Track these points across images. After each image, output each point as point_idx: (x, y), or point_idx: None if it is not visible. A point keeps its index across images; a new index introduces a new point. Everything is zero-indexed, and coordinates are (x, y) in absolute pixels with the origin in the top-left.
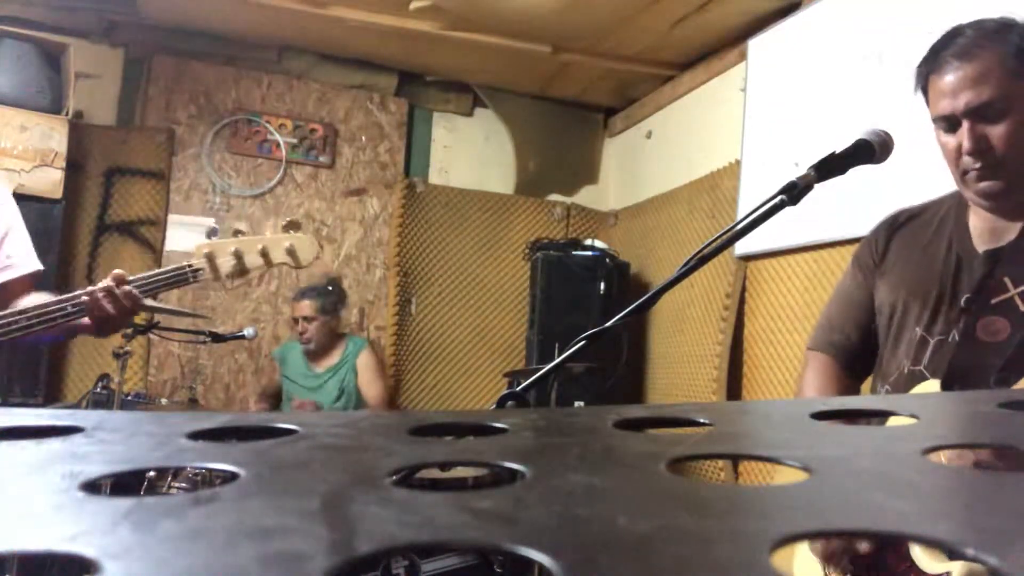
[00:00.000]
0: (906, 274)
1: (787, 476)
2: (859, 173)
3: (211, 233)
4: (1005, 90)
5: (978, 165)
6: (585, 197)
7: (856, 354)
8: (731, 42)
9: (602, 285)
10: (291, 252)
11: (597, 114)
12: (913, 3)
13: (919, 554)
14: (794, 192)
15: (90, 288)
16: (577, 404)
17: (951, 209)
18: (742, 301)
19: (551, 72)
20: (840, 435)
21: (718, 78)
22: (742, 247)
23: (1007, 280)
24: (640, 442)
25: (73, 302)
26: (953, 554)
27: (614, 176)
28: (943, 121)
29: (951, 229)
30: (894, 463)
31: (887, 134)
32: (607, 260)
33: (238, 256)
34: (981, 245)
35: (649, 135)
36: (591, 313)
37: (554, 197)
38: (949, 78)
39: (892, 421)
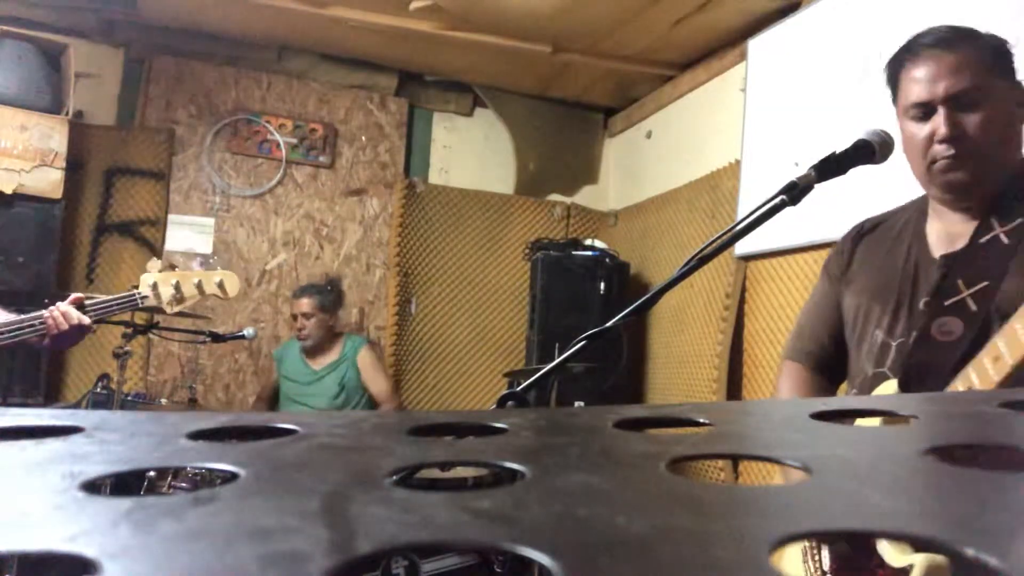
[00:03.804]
0: (869, 280)
1: (785, 476)
2: (859, 173)
3: (152, 265)
4: (982, 82)
5: (951, 152)
6: (585, 197)
7: (829, 361)
8: (731, 42)
9: (602, 285)
10: (220, 285)
11: (597, 114)
12: (913, 3)
13: (885, 549)
14: (794, 192)
15: (50, 308)
16: (577, 404)
17: (912, 217)
18: (742, 301)
19: (551, 72)
20: (840, 435)
21: (718, 78)
22: (742, 247)
23: (960, 282)
24: (640, 442)
25: (40, 319)
26: (919, 547)
27: (614, 176)
28: (917, 108)
29: (911, 236)
30: (894, 463)
31: (887, 134)
32: (607, 260)
33: (177, 287)
34: (938, 250)
35: (649, 135)
36: (591, 313)
37: (554, 197)
38: (928, 65)
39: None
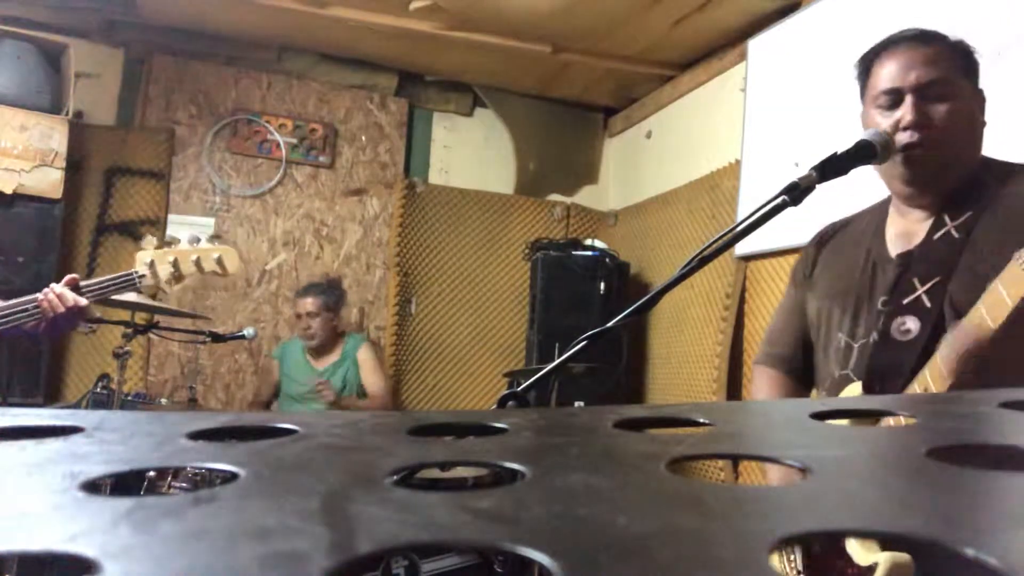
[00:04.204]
0: (830, 283)
1: (767, 476)
2: (860, 173)
3: (148, 243)
4: (951, 76)
5: (915, 139)
6: (585, 197)
7: (798, 364)
8: (731, 42)
9: (602, 285)
10: (220, 262)
11: (597, 114)
12: (913, 3)
13: (853, 547)
14: (796, 192)
15: (44, 290)
16: (577, 404)
17: (873, 218)
18: (742, 301)
19: (551, 72)
20: (840, 435)
21: (718, 78)
22: (742, 247)
23: (915, 280)
24: (640, 442)
25: (34, 303)
26: (886, 545)
27: (614, 176)
28: (886, 96)
29: (871, 237)
30: (894, 463)
31: (888, 134)
32: (607, 260)
33: (175, 265)
34: (894, 249)
35: (649, 135)
36: (591, 313)
37: (554, 197)
38: (901, 55)
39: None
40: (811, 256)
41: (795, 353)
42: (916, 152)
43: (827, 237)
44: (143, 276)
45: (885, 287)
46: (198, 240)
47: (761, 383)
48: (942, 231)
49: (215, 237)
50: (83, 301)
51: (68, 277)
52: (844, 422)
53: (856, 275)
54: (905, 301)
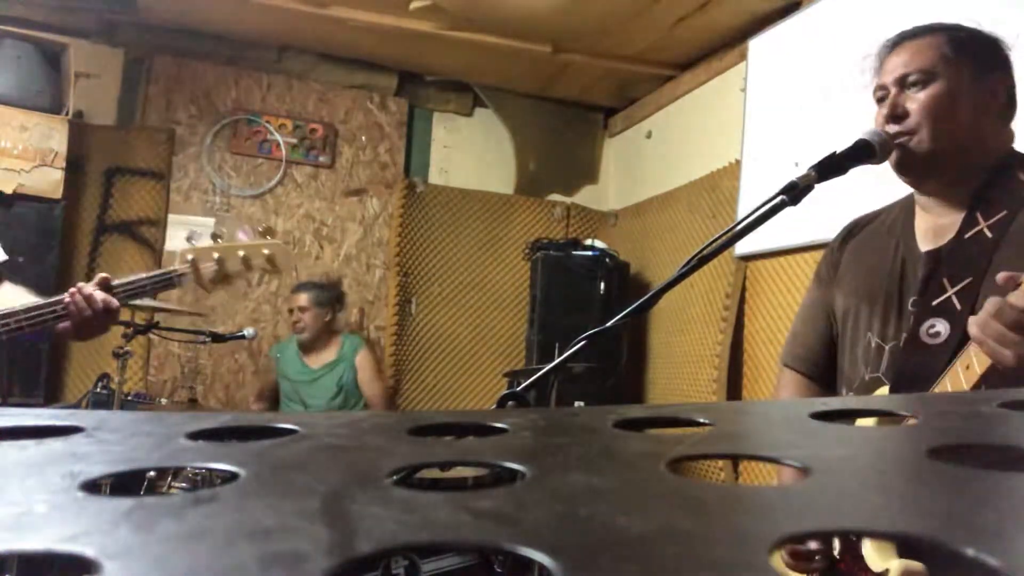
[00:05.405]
0: (857, 281)
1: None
2: (860, 173)
3: (191, 237)
4: (932, 64)
5: (895, 130)
6: (585, 197)
7: (822, 366)
8: (731, 42)
9: (602, 285)
10: (271, 259)
11: (597, 114)
12: (913, 3)
13: (868, 553)
14: (794, 192)
15: (71, 290)
16: (577, 404)
17: (900, 213)
18: (742, 301)
19: (551, 72)
20: (840, 435)
21: (718, 78)
22: (742, 247)
23: (945, 280)
24: (640, 442)
25: (60, 304)
26: (903, 552)
27: (614, 176)
28: (877, 92)
29: (899, 233)
30: (894, 463)
31: (887, 134)
32: (607, 260)
33: (220, 262)
34: (924, 246)
35: (649, 135)
36: (591, 313)
37: (554, 197)
38: (892, 54)
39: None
40: (836, 253)
41: (818, 355)
42: (900, 141)
43: (852, 233)
44: (183, 275)
45: (915, 287)
46: (247, 233)
47: (785, 385)
48: (974, 230)
49: (268, 230)
50: (115, 303)
51: (99, 276)
52: (871, 421)
53: (885, 272)
54: (935, 303)
